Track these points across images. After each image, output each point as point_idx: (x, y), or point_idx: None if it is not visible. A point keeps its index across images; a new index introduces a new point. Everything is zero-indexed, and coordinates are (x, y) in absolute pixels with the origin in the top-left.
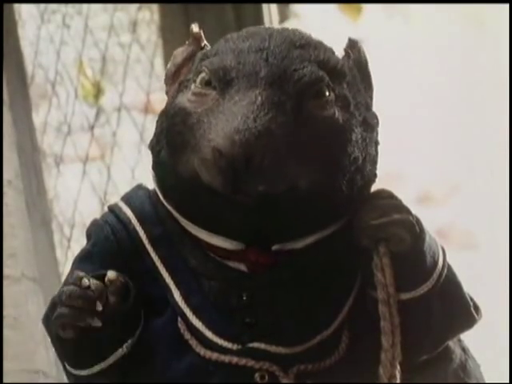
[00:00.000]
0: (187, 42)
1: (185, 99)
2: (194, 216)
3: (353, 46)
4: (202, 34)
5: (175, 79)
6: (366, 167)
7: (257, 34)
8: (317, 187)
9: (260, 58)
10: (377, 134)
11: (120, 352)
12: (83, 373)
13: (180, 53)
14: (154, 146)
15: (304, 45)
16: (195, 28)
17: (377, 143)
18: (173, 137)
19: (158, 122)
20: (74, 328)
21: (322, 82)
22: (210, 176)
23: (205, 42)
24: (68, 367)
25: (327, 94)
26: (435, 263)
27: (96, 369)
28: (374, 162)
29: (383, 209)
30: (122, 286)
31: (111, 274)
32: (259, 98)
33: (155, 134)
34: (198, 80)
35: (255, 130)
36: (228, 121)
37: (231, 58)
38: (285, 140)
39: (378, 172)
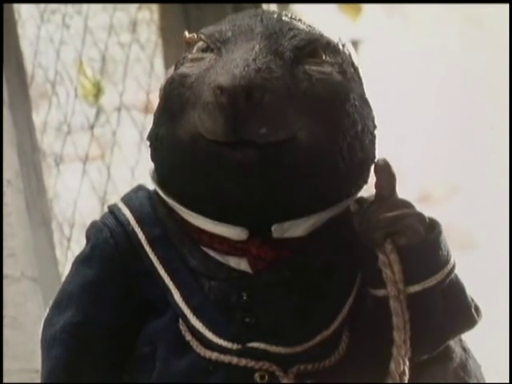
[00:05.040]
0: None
1: (182, 68)
2: (195, 201)
3: (343, 44)
4: (195, 35)
5: None
6: (365, 138)
7: (248, 12)
8: (317, 144)
9: (255, 20)
10: (373, 115)
11: None
12: None
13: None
14: (153, 133)
15: (298, 20)
16: (187, 34)
17: (374, 125)
18: (172, 100)
19: (154, 115)
20: None
21: (317, 42)
22: (212, 121)
23: None
24: None
25: (323, 56)
26: (448, 258)
27: None
28: (373, 141)
29: (391, 203)
30: None
31: None
32: (257, 46)
33: (153, 122)
34: (195, 49)
35: (255, 66)
36: (227, 63)
37: (226, 23)
38: (284, 82)
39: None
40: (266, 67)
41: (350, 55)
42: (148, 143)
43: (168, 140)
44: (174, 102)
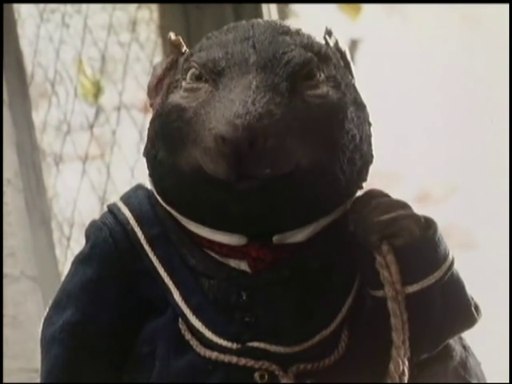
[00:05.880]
0: (167, 54)
1: (177, 97)
2: (195, 213)
3: (329, 34)
4: (181, 40)
5: (158, 91)
6: (363, 146)
7: (239, 27)
8: (319, 166)
9: (247, 45)
10: (368, 114)
11: None
12: None
13: (159, 65)
14: (150, 151)
15: (286, 31)
16: (173, 36)
17: (369, 123)
18: (170, 134)
19: (149, 128)
20: None
21: (311, 62)
22: (214, 164)
23: (185, 47)
24: None
25: (318, 75)
26: (446, 256)
27: None
28: (370, 143)
29: (386, 205)
30: None
31: None
32: (254, 82)
33: (149, 140)
34: (188, 76)
35: (255, 112)
36: (226, 107)
37: (218, 50)
38: (284, 120)
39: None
40: (266, 111)
41: (336, 43)
42: (145, 158)
43: (168, 165)
44: (174, 134)
